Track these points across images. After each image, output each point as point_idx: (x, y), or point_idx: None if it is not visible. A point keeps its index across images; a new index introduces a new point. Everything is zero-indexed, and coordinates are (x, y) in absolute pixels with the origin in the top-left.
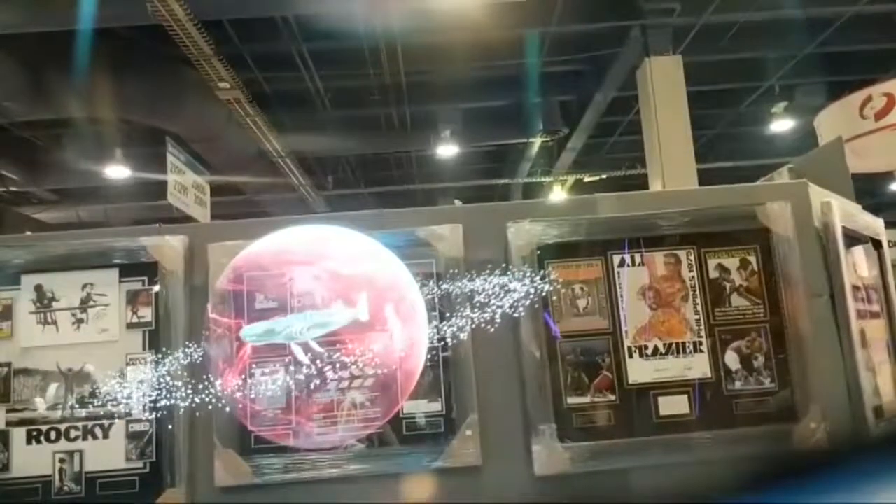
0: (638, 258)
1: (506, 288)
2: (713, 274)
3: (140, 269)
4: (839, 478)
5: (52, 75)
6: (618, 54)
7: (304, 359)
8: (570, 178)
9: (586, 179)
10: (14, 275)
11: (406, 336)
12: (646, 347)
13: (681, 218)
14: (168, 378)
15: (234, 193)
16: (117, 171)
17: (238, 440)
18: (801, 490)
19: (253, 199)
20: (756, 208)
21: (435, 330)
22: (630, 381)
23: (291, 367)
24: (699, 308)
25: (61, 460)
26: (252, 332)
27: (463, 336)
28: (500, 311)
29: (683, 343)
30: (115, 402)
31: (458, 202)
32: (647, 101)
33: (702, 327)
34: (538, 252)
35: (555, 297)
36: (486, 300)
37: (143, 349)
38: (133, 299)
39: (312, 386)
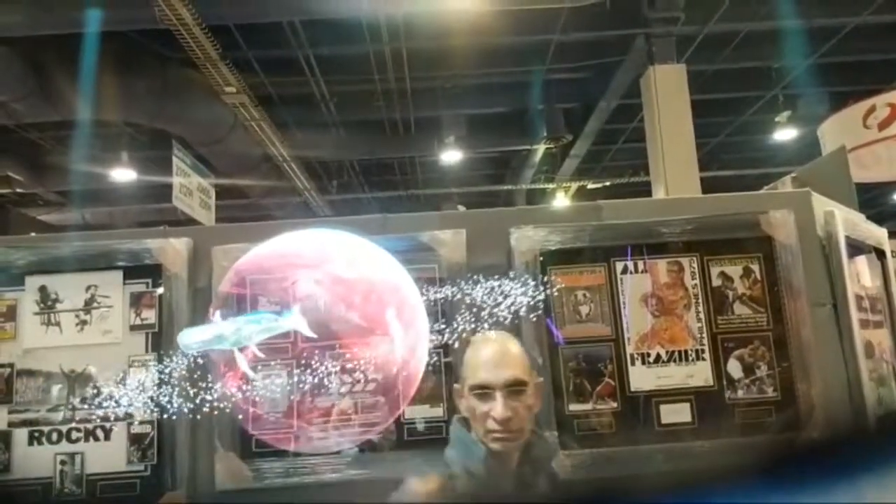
0: (641, 265)
1: (508, 293)
2: (716, 282)
3: (144, 271)
4: (838, 473)
5: (58, 78)
6: (622, 62)
7: (247, 369)
8: (573, 184)
9: (589, 186)
10: (18, 276)
11: (408, 341)
12: (648, 355)
13: (684, 225)
14: (170, 380)
15: (238, 197)
16: (123, 174)
17: (239, 443)
18: (799, 486)
19: (257, 202)
20: (759, 217)
21: (437, 335)
22: (632, 389)
23: (294, 371)
24: (702, 316)
25: (62, 462)
26: (197, 339)
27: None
28: (502, 316)
29: (686, 351)
30: (116, 405)
31: (461, 207)
32: (650, 109)
33: (704, 335)
34: (541, 258)
35: (557, 304)
36: (489, 306)
37: (146, 351)
38: (137, 301)
39: (314, 390)
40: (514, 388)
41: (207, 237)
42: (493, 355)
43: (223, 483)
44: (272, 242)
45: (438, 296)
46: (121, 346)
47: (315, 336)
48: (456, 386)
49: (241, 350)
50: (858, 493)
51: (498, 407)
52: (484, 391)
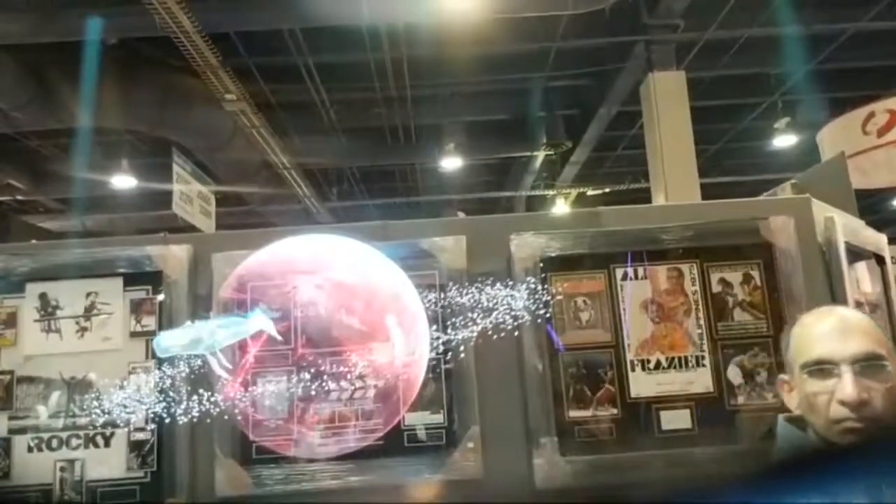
0: (641, 271)
1: (508, 300)
2: (716, 288)
3: (144, 277)
4: (837, 479)
5: (59, 86)
6: (622, 69)
7: (221, 371)
8: (573, 191)
9: (589, 193)
10: (19, 283)
11: (408, 347)
12: (648, 361)
13: (684, 232)
14: (170, 387)
15: (238, 204)
16: (123, 181)
17: (239, 450)
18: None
19: (257, 209)
20: (759, 223)
21: (437, 341)
22: (632, 395)
23: (294, 377)
24: (702, 322)
25: (62, 469)
26: (173, 343)
27: (465, 348)
28: (502, 323)
29: (686, 357)
30: (116, 411)
31: (461, 214)
32: (650, 115)
33: (704, 341)
34: (541, 264)
35: (557, 310)
36: (489, 312)
37: (146, 358)
38: (137, 308)
39: (314, 396)
40: (869, 363)
41: (207, 244)
42: (836, 326)
43: (223, 490)
44: (273, 248)
45: (439, 302)
46: (121, 353)
47: (281, 339)
48: (781, 377)
49: (242, 358)
50: (857, 499)
51: (846, 386)
52: (823, 367)
